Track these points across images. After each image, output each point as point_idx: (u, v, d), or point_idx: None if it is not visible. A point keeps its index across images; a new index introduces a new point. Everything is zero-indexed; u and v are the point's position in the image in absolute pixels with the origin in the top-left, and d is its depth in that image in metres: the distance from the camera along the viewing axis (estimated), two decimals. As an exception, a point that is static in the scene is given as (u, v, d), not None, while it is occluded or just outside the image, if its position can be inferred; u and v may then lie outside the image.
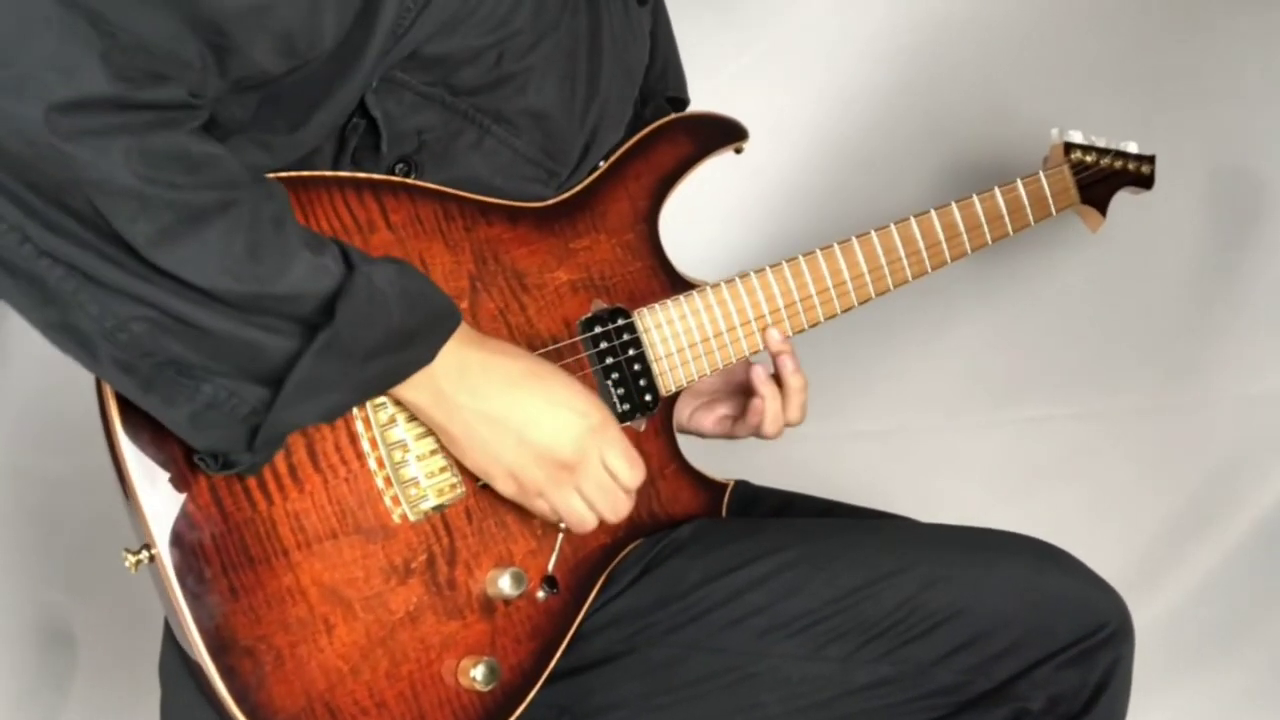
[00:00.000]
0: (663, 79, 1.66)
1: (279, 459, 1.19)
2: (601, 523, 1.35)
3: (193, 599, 1.15)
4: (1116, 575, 1.44)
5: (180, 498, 1.16)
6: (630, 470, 1.31)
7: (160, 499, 1.15)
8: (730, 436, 1.60)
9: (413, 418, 1.26)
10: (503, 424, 1.24)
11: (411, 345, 1.18)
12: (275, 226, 1.08)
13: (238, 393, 1.09)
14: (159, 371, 1.06)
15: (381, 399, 1.24)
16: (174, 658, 1.30)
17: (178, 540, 1.15)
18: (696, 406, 1.61)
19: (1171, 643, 2.34)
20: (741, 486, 1.57)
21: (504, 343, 1.30)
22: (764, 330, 1.53)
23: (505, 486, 1.28)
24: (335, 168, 1.32)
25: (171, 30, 1.02)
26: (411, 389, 1.22)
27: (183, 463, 1.16)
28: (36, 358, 1.98)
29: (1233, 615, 2.40)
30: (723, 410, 1.59)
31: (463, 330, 1.22)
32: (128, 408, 1.14)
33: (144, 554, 1.16)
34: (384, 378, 1.19)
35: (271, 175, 1.20)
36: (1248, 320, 2.31)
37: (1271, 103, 2.20)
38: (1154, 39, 2.18)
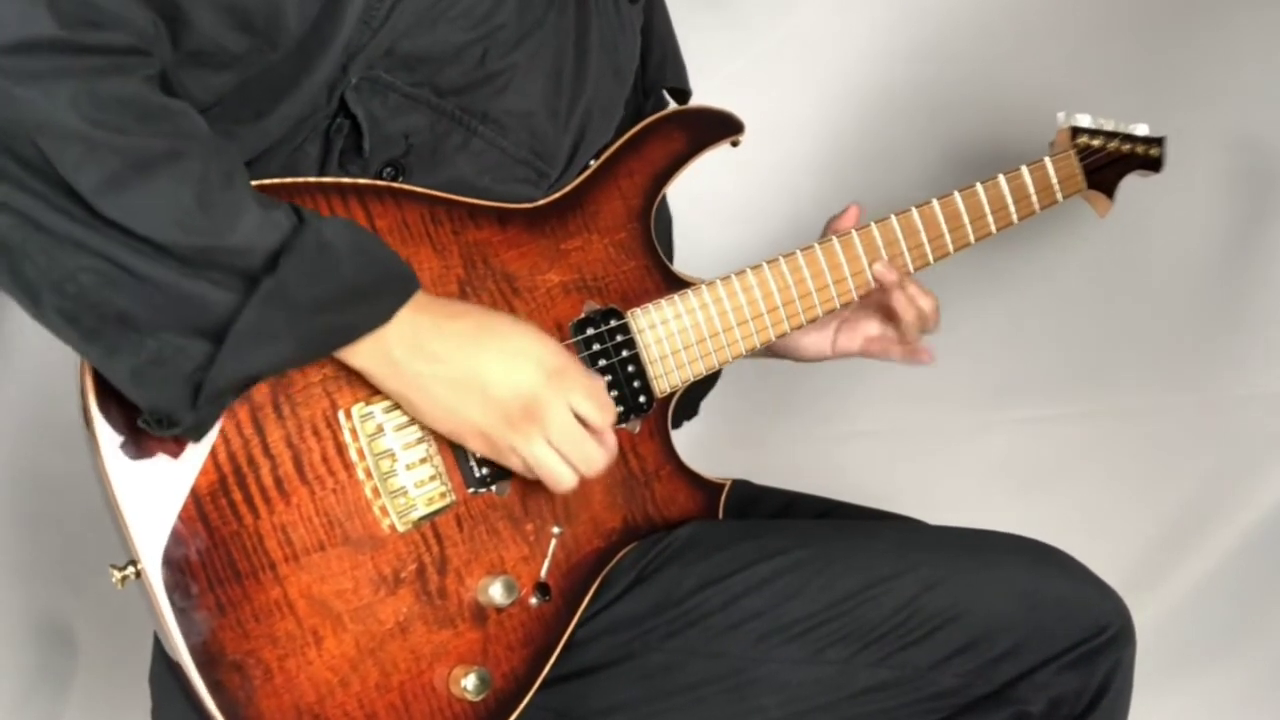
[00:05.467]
0: (661, 69, 1.63)
1: (265, 470, 1.19)
2: (594, 525, 1.34)
3: (180, 614, 1.15)
4: (1116, 576, 1.43)
5: (166, 513, 1.15)
6: (598, 410, 1.27)
7: (146, 515, 1.15)
8: (884, 354, 1.62)
9: (400, 426, 1.25)
10: (463, 385, 1.22)
11: (363, 303, 1.16)
12: (225, 180, 1.07)
13: (183, 349, 1.07)
14: (103, 324, 1.05)
15: (368, 409, 1.23)
16: (164, 668, 1.30)
17: (164, 556, 1.15)
18: (837, 329, 1.63)
19: (1171, 644, 2.33)
20: (742, 486, 1.56)
21: (452, 301, 1.28)
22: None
23: (477, 445, 1.25)
24: (322, 170, 1.31)
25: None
26: (365, 357, 1.19)
27: (168, 478, 1.15)
28: (37, 358, 1.99)
29: (1232, 616, 2.40)
30: (869, 329, 1.61)
31: (415, 296, 1.20)
32: (113, 426, 1.14)
33: (130, 570, 1.16)
34: (333, 334, 1.16)
35: (255, 184, 1.19)
36: (1248, 320, 2.29)
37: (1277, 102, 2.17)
38: (1167, 26, 2.15)
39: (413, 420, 1.25)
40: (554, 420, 1.25)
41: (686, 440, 1.50)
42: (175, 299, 1.05)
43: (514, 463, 1.26)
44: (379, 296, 1.17)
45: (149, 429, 1.11)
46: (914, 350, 1.59)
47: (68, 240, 1.01)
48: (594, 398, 1.27)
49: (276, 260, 1.08)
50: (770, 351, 1.65)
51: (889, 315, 1.59)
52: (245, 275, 1.07)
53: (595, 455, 1.28)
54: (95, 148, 1.00)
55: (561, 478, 1.26)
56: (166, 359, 1.07)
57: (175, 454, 1.16)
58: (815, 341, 1.64)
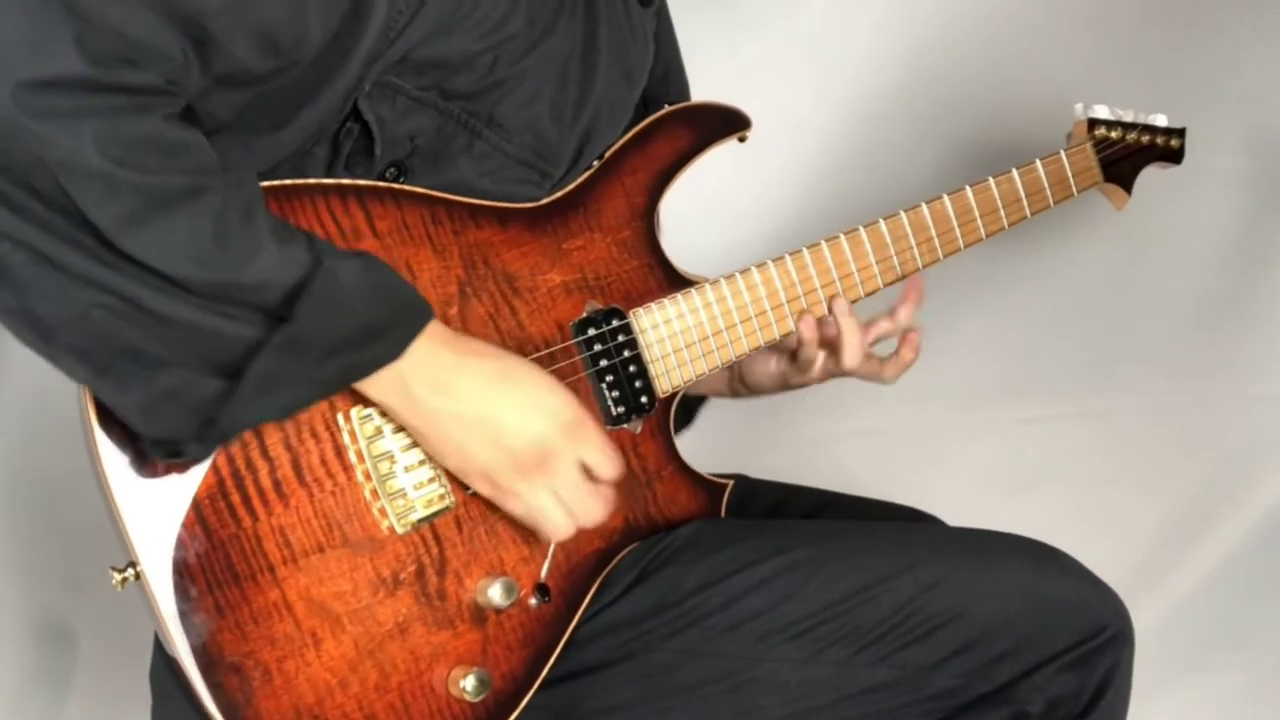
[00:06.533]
0: (664, 84, 1.64)
1: (263, 473, 1.19)
2: (595, 525, 1.35)
3: (179, 616, 1.16)
4: (1116, 576, 1.43)
5: (165, 516, 1.16)
6: (608, 465, 1.28)
7: (145, 517, 1.15)
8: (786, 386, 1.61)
9: (400, 428, 1.25)
10: (477, 427, 1.22)
11: (375, 343, 1.16)
12: (244, 215, 1.07)
13: (195, 383, 1.07)
14: (115, 359, 1.05)
15: (367, 411, 1.24)
16: (165, 667, 1.31)
17: (163, 558, 1.16)
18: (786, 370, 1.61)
19: (1171, 643, 2.33)
20: (740, 482, 1.55)
21: (477, 341, 1.28)
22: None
23: (480, 487, 1.26)
24: (329, 173, 1.31)
25: (150, 23, 1.02)
26: (382, 390, 1.20)
27: (167, 481, 1.16)
28: (37, 359, 2.00)
29: (1233, 616, 2.39)
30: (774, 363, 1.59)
31: (436, 329, 1.20)
32: (110, 427, 1.14)
33: (130, 572, 1.17)
34: (345, 374, 1.17)
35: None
36: (1249, 320, 2.28)
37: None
38: (1174, 26, 2.13)
39: None
40: (562, 473, 1.26)
41: (685, 439, 1.50)
42: (190, 335, 1.06)
43: (514, 507, 1.27)
44: (391, 333, 1.17)
45: (151, 454, 1.13)
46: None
47: (82, 277, 1.02)
48: (604, 452, 1.28)
49: (293, 298, 1.08)
50: (729, 388, 1.69)
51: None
52: (261, 310, 1.08)
53: (596, 510, 1.30)
54: (116, 186, 1.00)
55: (560, 528, 1.28)
56: (178, 393, 1.08)
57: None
58: (768, 370, 1.63)
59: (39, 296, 1.02)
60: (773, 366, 1.62)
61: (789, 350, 1.59)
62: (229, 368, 1.08)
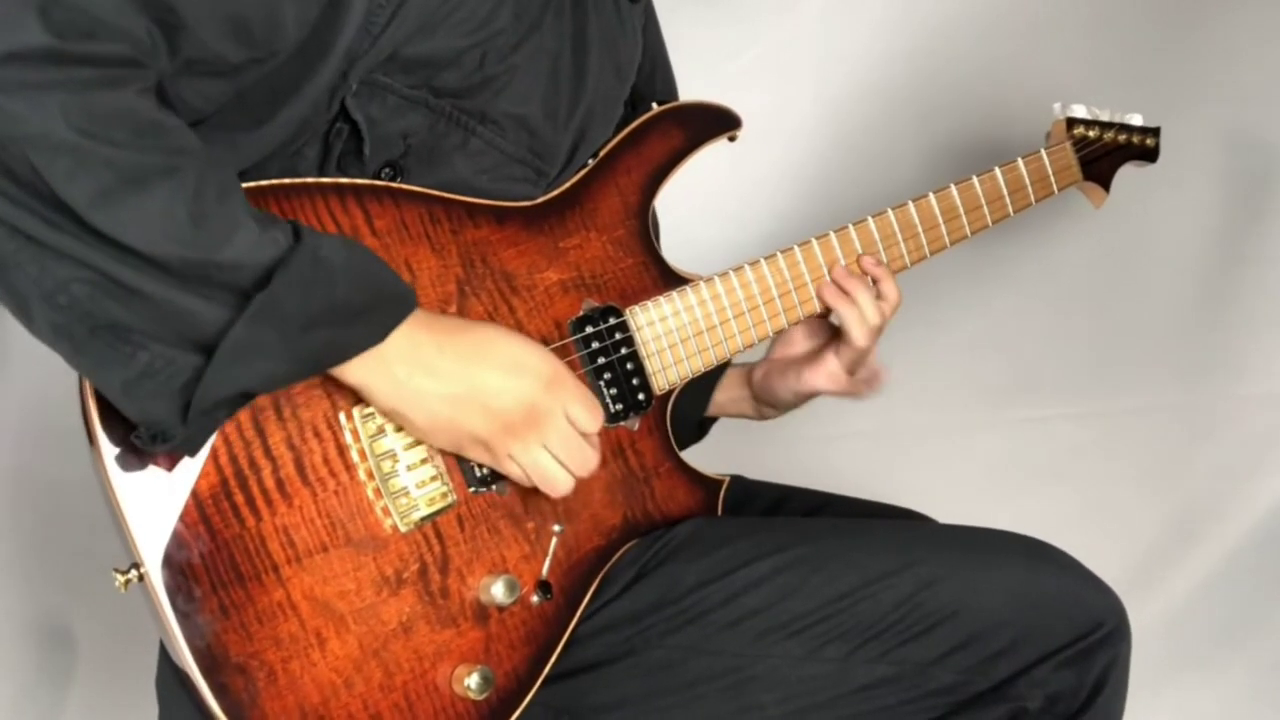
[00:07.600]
0: (651, 82, 1.64)
1: (266, 473, 1.19)
2: (594, 523, 1.35)
3: (183, 618, 1.15)
4: (1116, 575, 1.43)
5: (168, 516, 1.15)
6: (589, 415, 1.28)
7: (148, 518, 1.15)
8: (847, 392, 1.61)
9: (402, 426, 1.25)
10: (466, 400, 1.22)
11: (357, 322, 1.15)
12: (220, 195, 1.06)
13: (173, 361, 1.06)
14: (95, 336, 1.04)
15: (369, 409, 1.23)
16: (170, 673, 1.30)
17: (166, 559, 1.15)
18: (802, 370, 1.60)
19: (1172, 642, 2.34)
20: (736, 482, 1.56)
21: (447, 317, 1.28)
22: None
23: (476, 454, 1.26)
24: (321, 174, 1.30)
25: (117, 3, 1.01)
26: (365, 374, 1.19)
27: (170, 481, 1.15)
28: (37, 358, 1.97)
29: (1233, 615, 2.40)
30: (832, 364, 1.59)
31: (415, 314, 1.20)
32: (112, 429, 1.14)
33: (133, 573, 1.16)
34: (325, 352, 1.15)
35: (252, 185, 1.19)
36: (1248, 320, 2.29)
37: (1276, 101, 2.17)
38: (1162, 25, 2.15)
39: None
40: (553, 427, 1.26)
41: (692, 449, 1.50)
42: (166, 313, 1.04)
43: (512, 470, 1.27)
44: (374, 316, 1.16)
45: (142, 444, 1.11)
46: (866, 382, 1.60)
47: (59, 252, 1.01)
48: (586, 403, 1.29)
49: (270, 276, 1.07)
50: (756, 411, 1.70)
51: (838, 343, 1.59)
52: (237, 291, 1.07)
53: (590, 458, 1.30)
54: (86, 160, 0.99)
55: (559, 481, 1.28)
56: (157, 372, 1.06)
57: (176, 458, 1.16)
58: (788, 385, 1.63)
59: (18, 270, 1.01)
60: (791, 380, 1.62)
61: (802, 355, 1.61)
62: (205, 344, 1.07)
